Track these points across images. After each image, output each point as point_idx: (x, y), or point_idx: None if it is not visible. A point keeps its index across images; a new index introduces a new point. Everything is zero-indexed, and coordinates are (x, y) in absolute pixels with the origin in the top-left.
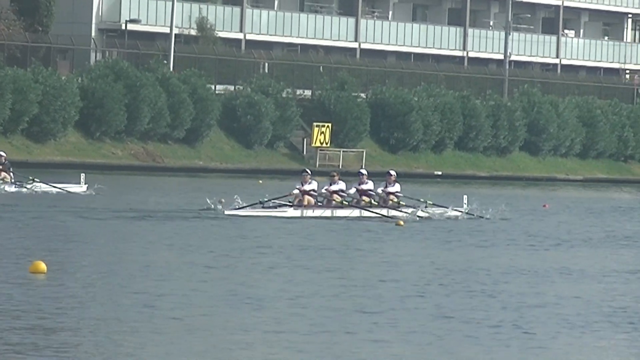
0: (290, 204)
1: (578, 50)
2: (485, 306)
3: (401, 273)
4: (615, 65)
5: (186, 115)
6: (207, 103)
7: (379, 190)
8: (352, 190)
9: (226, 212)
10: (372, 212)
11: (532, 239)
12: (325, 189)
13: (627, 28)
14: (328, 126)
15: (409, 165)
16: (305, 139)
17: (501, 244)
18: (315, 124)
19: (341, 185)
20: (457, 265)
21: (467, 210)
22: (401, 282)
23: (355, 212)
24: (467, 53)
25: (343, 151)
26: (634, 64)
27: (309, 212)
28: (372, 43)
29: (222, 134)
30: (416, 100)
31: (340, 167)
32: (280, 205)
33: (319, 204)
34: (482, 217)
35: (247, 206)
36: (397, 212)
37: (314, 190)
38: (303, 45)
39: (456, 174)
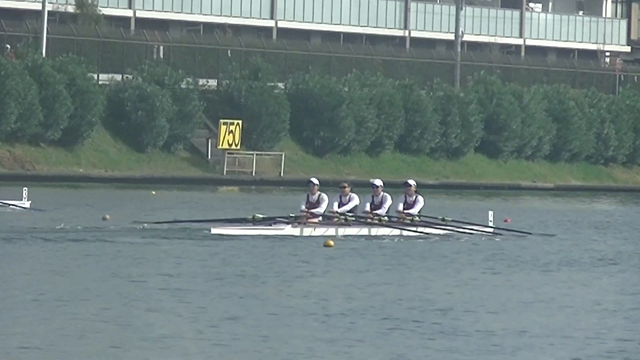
0: (287, 220)
1: (546, 28)
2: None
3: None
4: (592, 47)
5: (62, 111)
6: (89, 96)
7: (400, 207)
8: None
9: (213, 231)
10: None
11: (489, 261)
12: (332, 211)
13: (605, 1)
14: (238, 124)
15: (339, 172)
16: (210, 140)
17: (451, 267)
18: (222, 121)
19: (354, 200)
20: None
21: (494, 228)
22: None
23: (364, 231)
24: (410, 33)
25: (257, 154)
26: (615, 45)
27: (309, 231)
28: (292, 21)
29: (107, 135)
30: (347, 91)
31: (254, 173)
32: (276, 222)
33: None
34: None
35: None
36: (415, 231)
37: (332, 211)
38: (206, 25)
39: (397, 182)
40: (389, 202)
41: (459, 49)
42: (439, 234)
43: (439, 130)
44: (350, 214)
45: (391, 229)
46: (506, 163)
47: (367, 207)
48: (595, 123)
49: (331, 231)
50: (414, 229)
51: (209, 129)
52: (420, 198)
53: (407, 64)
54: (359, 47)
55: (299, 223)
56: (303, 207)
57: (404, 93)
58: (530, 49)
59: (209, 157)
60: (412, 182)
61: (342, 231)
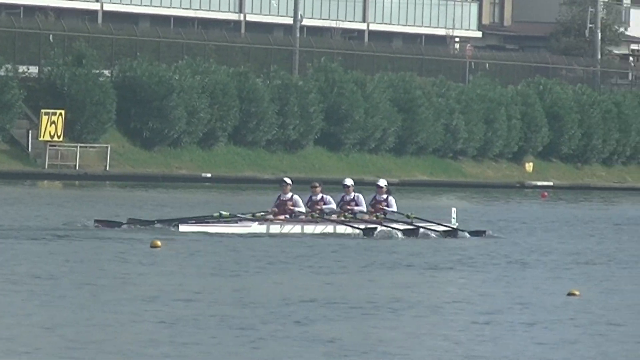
0: (254, 217)
1: (391, 12)
2: None
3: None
4: (441, 32)
5: None
6: None
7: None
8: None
9: (180, 229)
10: (353, 226)
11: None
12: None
13: None
14: (61, 114)
15: (169, 165)
16: (30, 131)
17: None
18: (43, 111)
19: (327, 200)
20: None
21: (457, 226)
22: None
23: (330, 228)
24: (245, 17)
25: (80, 147)
26: (465, 30)
27: (275, 228)
28: (119, 4)
29: None
30: (177, 80)
31: (77, 167)
32: (242, 220)
33: (301, 217)
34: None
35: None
36: (383, 227)
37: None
38: (27, 8)
39: (231, 176)
40: (362, 201)
41: (297, 34)
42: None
43: (276, 121)
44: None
45: (358, 224)
46: (348, 156)
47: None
48: (444, 114)
49: (297, 228)
50: (383, 225)
51: (30, 119)
52: (391, 198)
53: (242, 50)
54: (191, 32)
55: (265, 220)
56: (273, 207)
57: (239, 81)
58: (375, 34)
59: (30, 149)
60: (383, 182)
61: (311, 229)
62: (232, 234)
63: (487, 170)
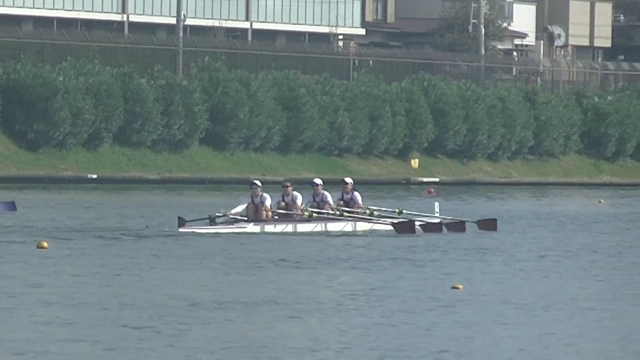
0: (246, 218)
1: (274, 11)
2: None
3: None
4: (324, 30)
5: None
6: None
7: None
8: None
9: (180, 230)
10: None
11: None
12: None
13: None
14: None
15: (55, 167)
16: None
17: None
18: None
19: (298, 198)
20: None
21: (441, 218)
22: None
23: (320, 227)
24: (128, 17)
25: None
26: (349, 28)
27: (269, 228)
28: (1, 6)
29: None
30: (61, 81)
31: None
32: (237, 221)
33: (276, 217)
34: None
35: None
36: (375, 223)
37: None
38: None
39: (117, 177)
40: (329, 199)
41: (181, 34)
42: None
43: (161, 121)
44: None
45: (345, 223)
46: (233, 155)
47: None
48: (328, 111)
49: (290, 227)
50: (375, 222)
51: None
52: (357, 195)
53: (125, 51)
54: (74, 33)
55: (259, 221)
56: (242, 207)
57: (123, 82)
58: (258, 33)
59: None
60: (349, 180)
61: (301, 227)
62: (229, 233)
63: (373, 167)
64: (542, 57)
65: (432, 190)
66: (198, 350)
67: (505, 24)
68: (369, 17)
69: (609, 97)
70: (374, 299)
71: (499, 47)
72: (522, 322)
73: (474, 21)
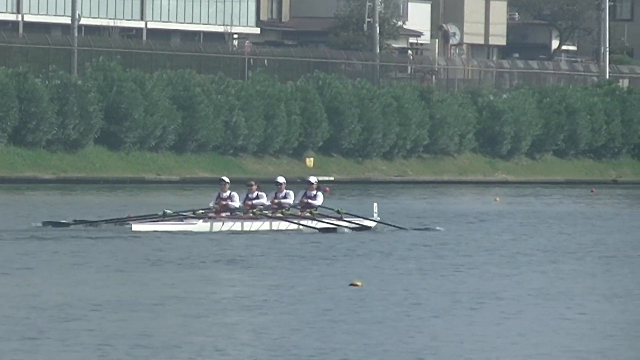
0: (196, 215)
1: (169, 10)
2: None
3: None
4: (219, 29)
5: None
6: None
7: (298, 201)
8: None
9: (133, 228)
10: (295, 223)
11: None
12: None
13: None
14: None
15: None
16: None
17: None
18: None
19: (262, 197)
20: None
21: (379, 220)
22: None
23: (266, 225)
24: (23, 17)
25: None
26: (244, 27)
27: (218, 226)
28: None
29: None
30: None
31: None
32: (186, 218)
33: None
34: (402, 228)
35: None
36: (321, 223)
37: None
38: None
39: (11, 177)
40: (292, 197)
41: (75, 34)
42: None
43: (56, 121)
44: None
45: (289, 224)
46: (129, 155)
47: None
48: (224, 110)
49: (237, 225)
50: (311, 222)
51: None
52: (319, 194)
53: (20, 51)
54: None
55: (209, 218)
56: (213, 203)
57: (18, 82)
58: (153, 33)
59: None
60: (313, 179)
61: (249, 225)
62: (179, 231)
63: (268, 166)
64: (437, 55)
65: (328, 189)
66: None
67: (400, 23)
68: (263, 16)
69: (504, 95)
70: (265, 298)
71: (394, 45)
72: (421, 317)
73: (369, 20)
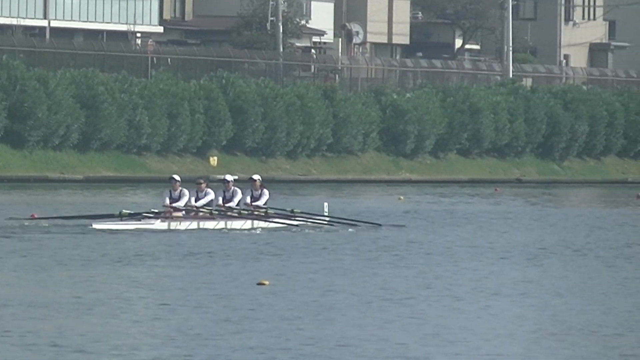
0: (154, 214)
1: (72, 9)
2: None
3: None
4: (122, 28)
5: None
6: None
7: (247, 200)
8: (219, 201)
9: (94, 226)
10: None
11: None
12: (190, 205)
13: None
14: None
15: None
16: None
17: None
18: None
19: (210, 195)
20: None
21: (329, 219)
22: None
23: (222, 224)
24: None
25: None
26: (147, 26)
27: (175, 225)
28: None
29: None
30: None
31: None
32: (144, 217)
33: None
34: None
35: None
36: (274, 222)
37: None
38: None
39: None
40: (239, 195)
41: None
42: (292, 225)
43: None
44: (209, 208)
45: (245, 221)
46: (32, 154)
47: (220, 201)
48: (127, 109)
49: (194, 224)
50: (265, 220)
51: None
52: (265, 191)
53: None
54: None
55: (166, 217)
56: (167, 202)
57: None
58: (56, 31)
59: None
60: (257, 177)
61: (203, 224)
62: (138, 229)
63: (172, 165)
64: (340, 54)
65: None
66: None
67: (303, 22)
68: (167, 15)
69: (408, 94)
70: (165, 294)
71: (297, 44)
72: (324, 317)
73: (272, 19)
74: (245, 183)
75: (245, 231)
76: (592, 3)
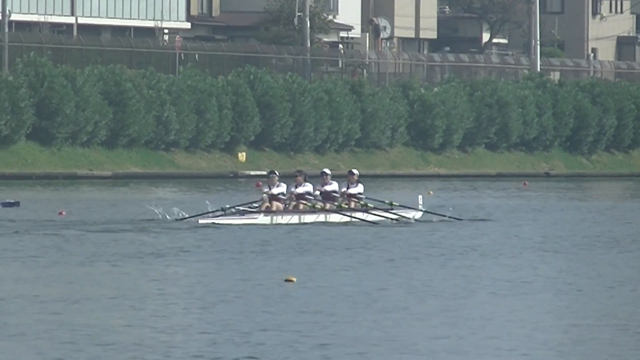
0: (257, 209)
1: (99, 5)
2: None
3: None
4: (150, 24)
5: None
6: None
7: (343, 191)
8: (316, 193)
9: (200, 222)
10: (346, 215)
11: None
12: (291, 193)
13: None
14: None
15: None
16: None
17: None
18: None
19: (307, 187)
20: None
21: (424, 210)
22: None
23: (322, 217)
24: None
25: None
26: (174, 22)
27: (278, 219)
28: None
29: None
30: None
31: None
32: (247, 212)
33: (286, 207)
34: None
35: (203, 214)
36: (371, 215)
37: (282, 193)
38: None
39: None
40: (336, 188)
41: (6, 30)
42: (389, 218)
43: None
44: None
45: (341, 216)
46: (60, 150)
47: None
48: (155, 105)
49: (295, 218)
50: (362, 214)
51: None
52: (360, 185)
53: None
54: None
55: (268, 212)
56: (265, 196)
57: None
58: (83, 28)
59: None
60: (355, 171)
61: (303, 218)
62: (242, 224)
63: (200, 161)
64: (368, 49)
65: (260, 183)
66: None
67: (330, 17)
68: (194, 11)
69: (435, 89)
70: (197, 288)
71: (325, 40)
72: (348, 314)
73: (299, 14)
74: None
75: (342, 224)
76: None
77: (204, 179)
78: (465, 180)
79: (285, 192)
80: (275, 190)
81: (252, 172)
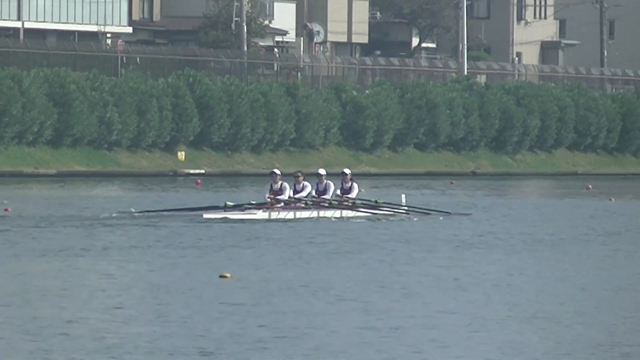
0: (255, 205)
1: (45, 11)
2: None
3: None
4: (93, 28)
5: None
6: None
7: (338, 192)
8: (337, 192)
9: (205, 216)
10: (357, 210)
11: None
12: (292, 197)
13: None
14: None
15: None
16: None
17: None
18: None
19: (307, 188)
20: None
21: (407, 209)
22: None
23: (315, 214)
24: None
25: None
26: (117, 26)
27: (274, 215)
28: None
29: None
30: None
31: None
32: (247, 208)
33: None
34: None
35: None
36: (357, 212)
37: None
38: None
39: None
40: (332, 188)
41: None
42: (376, 214)
43: None
44: (309, 199)
45: (334, 211)
46: (7, 149)
47: (314, 193)
48: (98, 107)
49: (291, 214)
50: (353, 210)
51: None
52: (355, 184)
53: None
54: None
55: (267, 208)
56: (267, 195)
57: None
58: (30, 32)
59: None
60: (347, 170)
61: (300, 214)
62: (243, 219)
63: (142, 160)
64: (302, 53)
65: (199, 181)
66: None
67: (266, 22)
68: (135, 16)
69: (367, 91)
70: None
71: (261, 44)
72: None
73: (236, 19)
74: (208, 177)
75: (335, 219)
76: (543, 2)
77: (145, 177)
78: (395, 179)
79: (285, 192)
80: (276, 187)
81: (192, 171)
